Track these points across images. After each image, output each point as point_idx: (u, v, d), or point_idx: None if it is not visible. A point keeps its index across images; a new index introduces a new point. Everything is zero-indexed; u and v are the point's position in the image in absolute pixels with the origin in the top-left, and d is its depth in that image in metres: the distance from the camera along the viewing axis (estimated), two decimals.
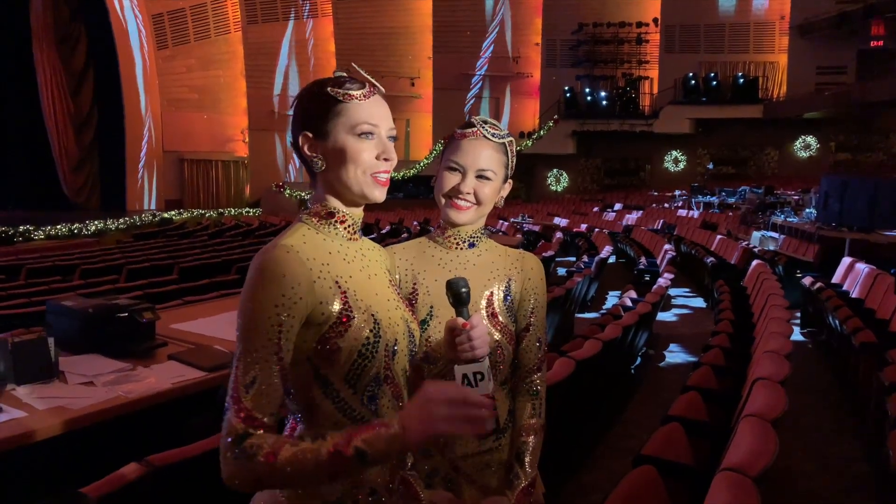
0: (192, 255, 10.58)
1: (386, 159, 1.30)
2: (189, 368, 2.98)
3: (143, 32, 26.31)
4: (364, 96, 1.29)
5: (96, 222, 19.76)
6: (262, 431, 1.14)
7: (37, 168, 25.48)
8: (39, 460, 2.36)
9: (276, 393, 1.18)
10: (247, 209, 26.28)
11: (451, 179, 1.55)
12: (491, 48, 26.46)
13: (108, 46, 25.66)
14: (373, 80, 1.32)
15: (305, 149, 1.31)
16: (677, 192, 20.66)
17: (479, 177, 1.54)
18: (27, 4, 24.69)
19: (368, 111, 1.29)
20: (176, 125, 27.03)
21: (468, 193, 1.54)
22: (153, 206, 26.46)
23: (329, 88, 1.29)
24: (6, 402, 2.52)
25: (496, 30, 26.35)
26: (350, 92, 1.28)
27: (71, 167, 26.21)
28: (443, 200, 1.57)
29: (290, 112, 1.34)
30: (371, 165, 1.29)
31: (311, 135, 1.30)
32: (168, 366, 3.03)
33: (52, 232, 18.16)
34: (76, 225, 18.99)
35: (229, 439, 1.13)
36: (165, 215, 23.28)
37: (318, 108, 1.29)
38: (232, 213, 25.35)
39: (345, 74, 1.32)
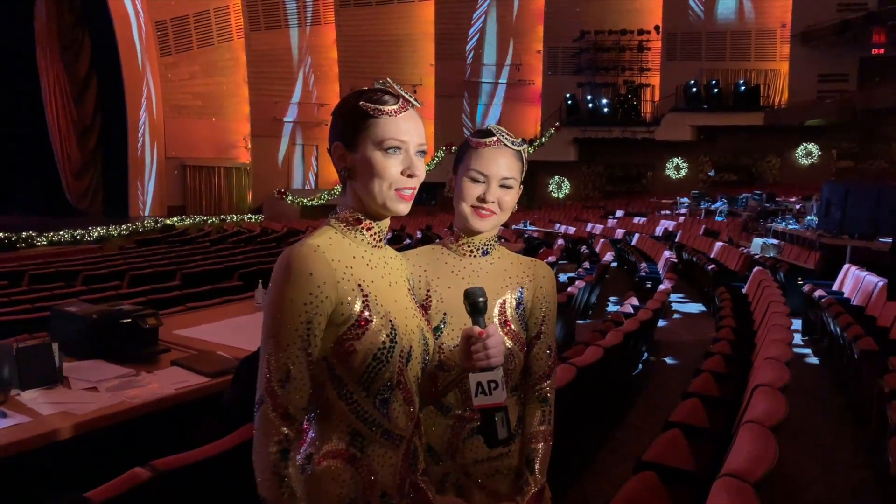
0: (195, 261, 10.59)
1: (411, 175, 1.33)
2: (192, 374, 3.00)
3: (146, 39, 26.39)
4: (395, 112, 1.32)
5: (99, 228, 19.80)
6: (295, 439, 1.24)
7: (40, 174, 25.53)
8: (44, 465, 2.37)
9: (307, 387, 1.25)
10: (249, 216, 26.31)
11: (475, 189, 1.56)
12: (492, 56, 26.51)
13: (112, 53, 25.73)
14: (407, 96, 1.35)
15: (336, 158, 1.35)
16: (679, 199, 20.63)
17: (502, 185, 1.56)
18: (31, 11, 24.79)
19: (397, 127, 1.32)
20: (179, 132, 27.08)
21: (493, 203, 1.56)
22: (156, 213, 26.48)
23: (362, 102, 1.32)
24: (11, 407, 2.54)
25: (498, 37, 26.40)
26: (381, 107, 1.32)
27: (74, 173, 26.27)
28: (465, 210, 1.57)
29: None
30: (396, 181, 1.32)
31: (342, 145, 1.34)
32: (171, 371, 3.05)
33: (55, 238, 18.21)
34: (79, 231, 19.03)
35: (273, 448, 1.22)
36: (168, 221, 23.33)
37: (351, 120, 1.33)
38: (234, 219, 25.37)
39: (385, 85, 1.35)
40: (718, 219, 17.23)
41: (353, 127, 1.33)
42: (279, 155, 27.57)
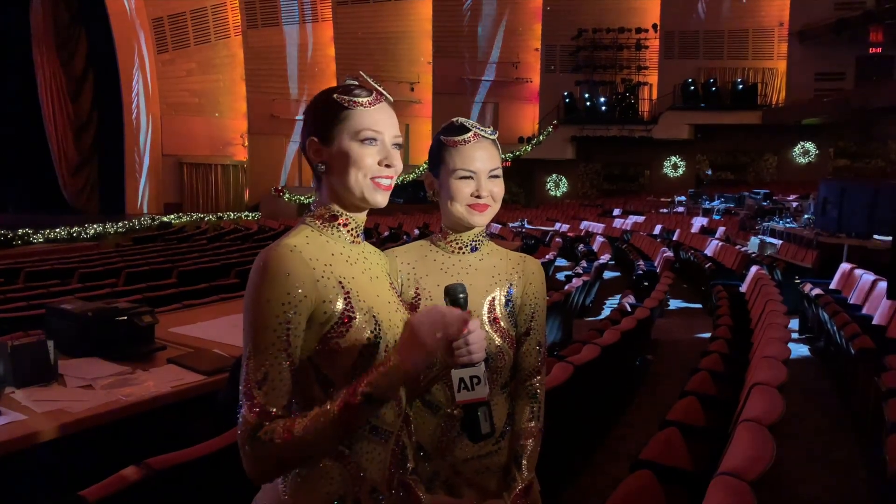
0: (191, 258, 10.58)
1: (388, 165, 1.33)
2: (188, 372, 2.99)
3: (143, 36, 26.33)
4: (369, 103, 1.33)
5: (95, 226, 19.74)
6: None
7: (36, 172, 25.45)
8: (38, 463, 2.36)
9: (286, 387, 1.24)
10: (246, 213, 26.26)
11: (466, 187, 1.55)
12: (490, 53, 26.49)
13: (108, 50, 25.67)
14: (380, 89, 1.35)
15: (311, 153, 1.34)
16: (676, 198, 20.65)
17: (491, 176, 1.56)
18: (27, 8, 24.72)
19: (372, 118, 1.32)
20: (175, 129, 27.03)
21: (487, 196, 1.56)
22: (152, 210, 26.43)
23: (336, 95, 1.33)
24: (5, 404, 2.53)
25: (496, 35, 26.39)
26: (355, 99, 1.32)
27: (70, 171, 26.21)
28: (460, 209, 1.56)
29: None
30: (372, 170, 1.32)
31: (317, 140, 1.33)
32: (167, 369, 3.04)
33: (51, 235, 18.16)
34: (75, 228, 18.97)
35: (245, 434, 1.19)
36: (164, 219, 23.27)
37: (325, 113, 1.33)
38: (231, 216, 25.33)
39: (355, 81, 1.36)
40: (716, 217, 17.24)
41: (327, 120, 1.33)
42: (278, 153, 27.47)
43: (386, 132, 1.33)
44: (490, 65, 26.51)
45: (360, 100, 1.32)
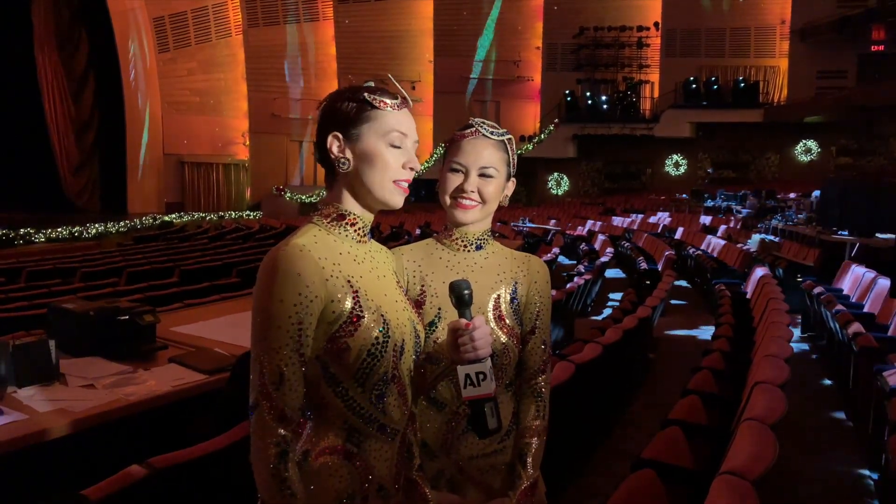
0: (193, 258, 10.57)
1: (411, 168, 1.36)
2: (189, 371, 2.99)
3: (144, 35, 26.34)
4: (397, 106, 1.36)
5: (97, 225, 19.77)
6: (293, 440, 1.24)
7: (38, 171, 25.44)
8: (40, 462, 2.36)
9: (301, 388, 1.25)
10: (247, 212, 26.28)
11: (454, 180, 1.57)
12: (491, 52, 26.47)
13: (110, 49, 25.70)
14: (405, 94, 1.38)
15: (333, 148, 1.34)
16: (678, 196, 20.63)
17: (482, 175, 1.56)
18: (29, 8, 24.73)
19: (399, 120, 1.35)
20: (177, 128, 27.04)
21: (472, 192, 1.55)
22: (154, 209, 26.43)
23: (366, 94, 1.34)
24: (7, 404, 2.53)
25: (496, 34, 26.37)
26: (385, 100, 1.34)
27: (72, 170, 26.22)
28: (448, 201, 1.58)
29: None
30: (397, 172, 1.35)
31: (340, 135, 1.34)
32: (168, 368, 3.04)
33: (53, 235, 18.19)
34: (77, 228, 19.01)
35: (272, 450, 1.21)
36: (166, 218, 23.29)
37: (352, 110, 1.34)
38: (232, 216, 25.35)
39: (371, 83, 1.38)
40: (718, 216, 17.23)
41: (354, 117, 1.34)
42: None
43: (410, 135, 1.36)
44: (491, 63, 26.48)
45: (390, 101, 1.35)
